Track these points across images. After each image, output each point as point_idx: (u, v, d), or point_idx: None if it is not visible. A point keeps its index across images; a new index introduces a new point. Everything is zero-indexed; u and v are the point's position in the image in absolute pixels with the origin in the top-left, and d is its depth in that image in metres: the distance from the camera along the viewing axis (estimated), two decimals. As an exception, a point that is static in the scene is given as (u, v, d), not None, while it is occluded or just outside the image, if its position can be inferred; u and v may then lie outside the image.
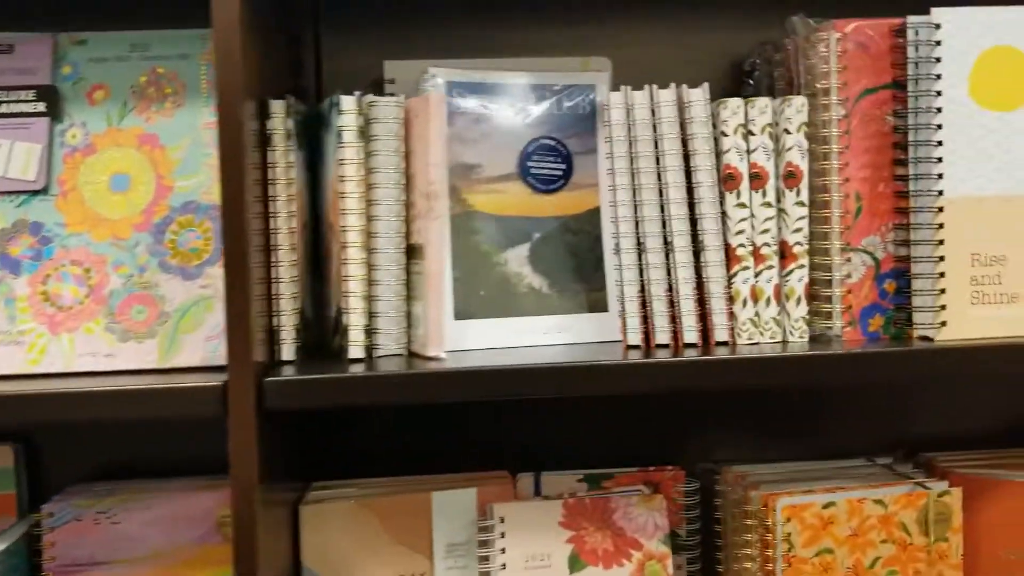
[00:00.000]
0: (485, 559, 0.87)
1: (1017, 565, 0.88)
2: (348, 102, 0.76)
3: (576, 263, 0.87)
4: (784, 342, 0.81)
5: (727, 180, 0.80)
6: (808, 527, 0.85)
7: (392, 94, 0.85)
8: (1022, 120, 0.78)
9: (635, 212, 0.80)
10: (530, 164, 0.86)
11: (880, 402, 1.04)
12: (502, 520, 0.88)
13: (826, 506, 0.85)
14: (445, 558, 0.90)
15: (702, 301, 0.81)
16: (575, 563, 0.88)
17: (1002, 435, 1.04)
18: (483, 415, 1.00)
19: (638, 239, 0.81)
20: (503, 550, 0.87)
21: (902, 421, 1.04)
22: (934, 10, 0.77)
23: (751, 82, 0.93)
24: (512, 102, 0.86)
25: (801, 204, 0.81)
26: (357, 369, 0.75)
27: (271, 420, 0.74)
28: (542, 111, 0.87)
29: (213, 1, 0.67)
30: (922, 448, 1.01)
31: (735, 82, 0.97)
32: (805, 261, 0.81)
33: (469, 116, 0.85)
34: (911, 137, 0.79)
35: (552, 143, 0.87)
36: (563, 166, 0.87)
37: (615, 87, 0.82)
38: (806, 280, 0.81)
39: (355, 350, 0.78)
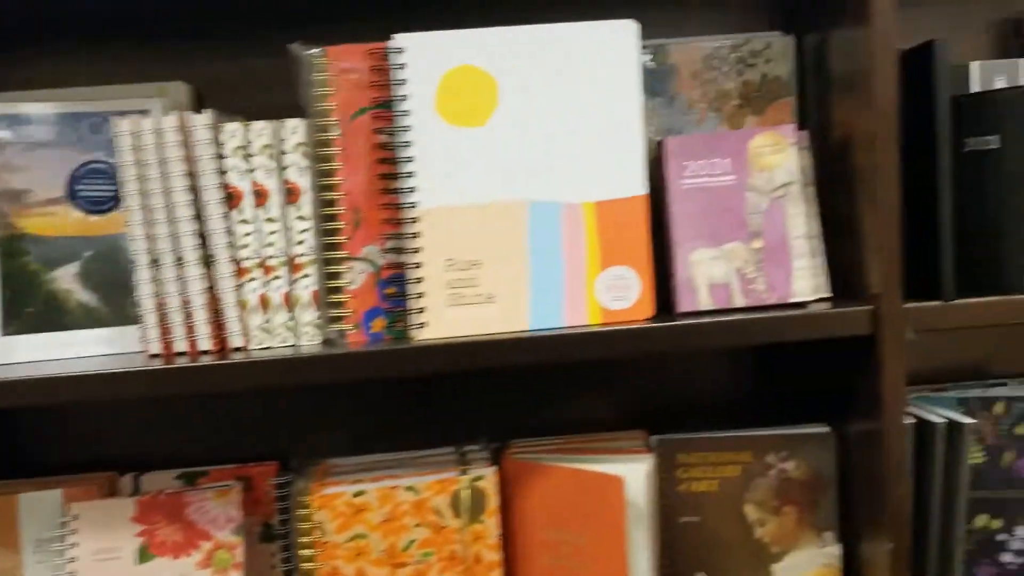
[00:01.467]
0: (63, 553, 0.94)
1: (555, 544, 0.95)
2: None
3: (128, 278, 0.93)
4: (296, 346, 0.88)
5: (230, 198, 0.87)
6: (340, 515, 0.92)
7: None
8: (489, 134, 0.85)
9: (148, 230, 0.87)
10: (79, 187, 0.92)
11: (484, 392, 1.11)
12: (76, 518, 0.95)
13: (357, 495, 0.92)
14: (34, 553, 0.97)
15: (217, 311, 0.88)
16: (144, 555, 0.94)
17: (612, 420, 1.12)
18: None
19: (152, 255, 0.87)
20: (74, 545, 0.94)
21: (516, 410, 1.11)
22: (396, 36, 0.84)
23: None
24: (62, 130, 0.92)
25: (302, 218, 0.87)
26: None
27: None
28: (94, 136, 0.93)
29: None
30: (531, 434, 1.09)
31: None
32: (311, 271, 0.88)
33: (17, 145, 0.91)
34: (395, 154, 0.85)
35: (102, 166, 0.93)
36: (114, 187, 0.93)
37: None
38: (313, 288, 0.88)
39: None
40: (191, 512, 0.97)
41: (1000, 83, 0.90)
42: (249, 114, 0.93)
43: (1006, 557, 0.98)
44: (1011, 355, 1.14)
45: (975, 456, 0.99)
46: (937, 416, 0.89)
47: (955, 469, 0.88)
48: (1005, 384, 1.06)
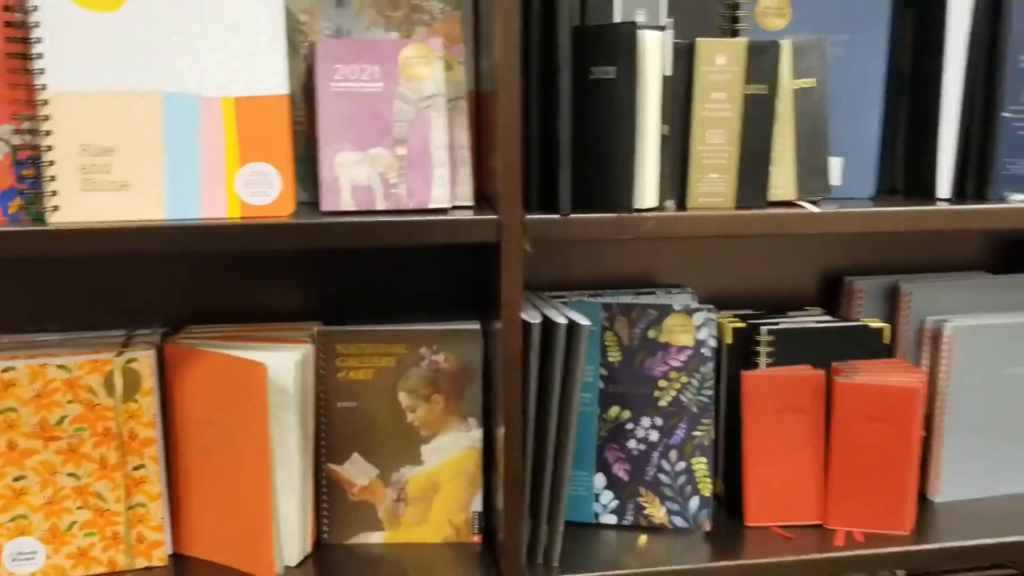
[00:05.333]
0: None
1: (208, 424, 1.00)
2: None
3: None
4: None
5: None
6: (-13, 390, 0.94)
7: None
8: (122, 19, 0.84)
9: None
10: None
11: (173, 276, 1.14)
12: None
13: (5, 371, 0.94)
14: None
15: None
16: None
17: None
18: None
19: None
20: None
21: (207, 295, 1.15)
22: (22, -93, 0.81)
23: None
24: None
25: (-71, 91, 0.85)
26: None
27: None
28: None
29: None
30: (221, 321, 1.12)
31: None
32: (-60, 146, 0.86)
33: None
34: (25, 33, 0.84)
35: None
36: None
37: None
38: (-57, 164, 0.87)
39: None
40: None
41: (640, 17, 0.96)
42: None
43: (631, 443, 1.11)
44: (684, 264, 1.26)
45: (613, 355, 1.11)
46: (562, 317, 0.98)
47: (573, 364, 0.98)
48: (654, 292, 1.18)
